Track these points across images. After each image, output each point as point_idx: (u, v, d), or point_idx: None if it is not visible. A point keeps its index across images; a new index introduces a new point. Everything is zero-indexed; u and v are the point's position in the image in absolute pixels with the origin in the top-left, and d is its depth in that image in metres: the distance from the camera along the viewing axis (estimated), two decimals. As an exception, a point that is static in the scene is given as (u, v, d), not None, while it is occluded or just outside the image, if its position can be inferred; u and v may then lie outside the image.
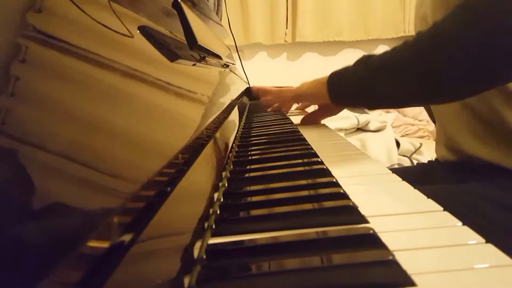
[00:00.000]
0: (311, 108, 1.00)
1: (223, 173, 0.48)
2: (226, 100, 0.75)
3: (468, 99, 0.65)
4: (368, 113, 1.90)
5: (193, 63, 0.64)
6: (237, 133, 0.77)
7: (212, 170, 0.44)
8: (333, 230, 0.32)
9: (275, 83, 1.08)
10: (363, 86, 0.63)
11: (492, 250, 0.27)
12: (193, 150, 0.40)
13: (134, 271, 0.21)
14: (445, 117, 0.74)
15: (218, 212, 0.36)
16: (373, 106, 0.68)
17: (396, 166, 1.59)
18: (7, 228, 0.15)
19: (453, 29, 0.52)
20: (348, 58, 2.89)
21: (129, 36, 0.39)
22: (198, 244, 0.29)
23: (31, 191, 0.17)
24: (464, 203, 0.60)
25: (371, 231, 0.30)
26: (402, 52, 0.58)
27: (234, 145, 0.66)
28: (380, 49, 2.98)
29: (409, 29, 2.87)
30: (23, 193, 0.17)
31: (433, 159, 0.88)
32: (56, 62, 0.25)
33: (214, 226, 0.33)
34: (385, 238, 0.29)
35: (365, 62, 0.63)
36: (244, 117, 1.05)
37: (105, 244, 0.19)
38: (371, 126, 1.79)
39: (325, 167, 0.49)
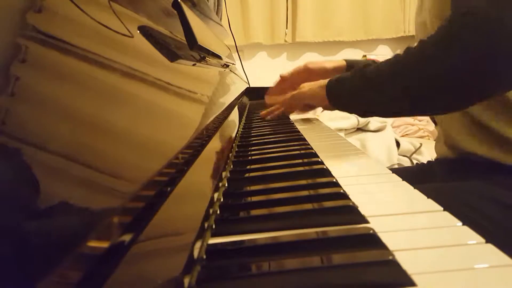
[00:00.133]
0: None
1: (223, 173, 0.48)
2: (226, 100, 0.75)
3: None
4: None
5: (193, 63, 0.64)
6: (237, 133, 0.77)
7: (212, 170, 0.44)
8: (333, 230, 0.32)
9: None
10: (356, 94, 0.65)
11: (492, 250, 0.27)
12: (193, 150, 0.40)
13: (134, 271, 0.21)
14: (446, 120, 0.75)
15: (218, 212, 0.36)
16: (364, 115, 0.70)
17: (396, 166, 1.60)
18: (8, 228, 0.15)
19: (437, 54, 0.54)
20: (348, 58, 2.90)
21: (129, 36, 0.39)
22: (198, 244, 0.29)
23: (31, 191, 0.17)
24: (464, 201, 0.60)
25: (371, 231, 0.30)
26: (391, 66, 0.61)
27: (234, 145, 0.66)
28: (380, 49, 2.99)
29: (409, 29, 2.87)
30: (23, 193, 0.17)
31: (433, 160, 0.88)
32: (56, 62, 0.25)
33: (214, 226, 0.33)
34: (385, 238, 0.29)
35: (361, 70, 0.64)
36: (244, 117, 1.05)
37: (105, 244, 0.19)
38: (371, 126, 1.79)
39: (325, 167, 0.49)
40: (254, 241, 0.30)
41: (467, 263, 0.25)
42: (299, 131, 0.78)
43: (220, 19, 1.69)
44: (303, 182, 0.44)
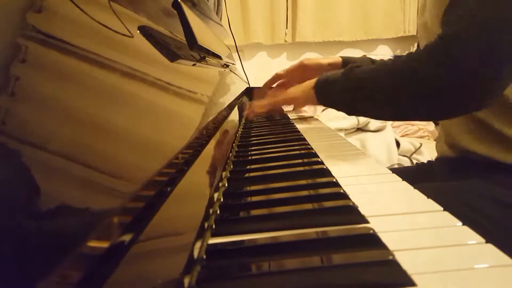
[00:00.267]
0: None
1: (223, 173, 0.48)
2: (226, 100, 0.75)
3: None
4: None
5: (193, 63, 0.64)
6: (237, 133, 0.77)
7: (212, 170, 0.44)
8: (333, 230, 0.32)
9: (275, 83, 1.08)
10: (342, 95, 0.68)
11: (492, 250, 0.27)
12: (193, 150, 0.40)
13: (134, 271, 0.21)
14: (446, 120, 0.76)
15: (218, 212, 0.36)
16: (352, 114, 0.72)
17: (396, 166, 1.59)
18: (8, 228, 0.15)
19: (430, 73, 0.56)
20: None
21: (129, 36, 0.39)
22: (198, 244, 0.29)
23: (31, 191, 0.17)
24: (464, 201, 0.60)
25: (371, 231, 0.30)
26: (377, 73, 0.63)
27: (234, 145, 0.66)
28: (380, 49, 2.99)
29: (409, 29, 2.88)
30: (23, 193, 0.17)
31: (433, 159, 0.88)
32: (56, 62, 0.25)
33: (214, 226, 0.33)
34: (385, 238, 0.29)
35: (348, 73, 0.67)
36: (244, 117, 1.05)
37: (105, 244, 0.19)
38: (371, 126, 1.79)
39: (325, 167, 0.49)
40: (254, 241, 0.30)
41: (467, 263, 0.25)
42: (299, 131, 0.78)
43: (220, 19, 1.69)
44: (303, 182, 0.44)
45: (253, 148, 0.65)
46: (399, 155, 1.72)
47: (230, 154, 0.59)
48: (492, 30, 0.52)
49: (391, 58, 0.89)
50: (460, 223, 0.31)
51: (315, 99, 0.73)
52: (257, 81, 1.57)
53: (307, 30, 2.85)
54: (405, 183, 0.42)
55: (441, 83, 0.55)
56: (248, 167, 0.54)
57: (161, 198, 0.28)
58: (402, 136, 2.08)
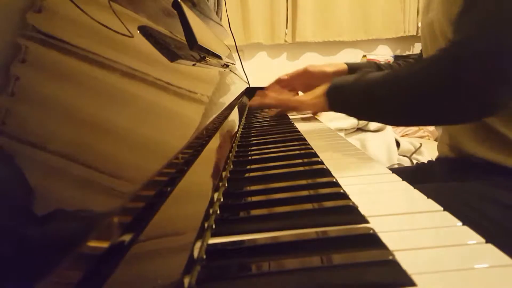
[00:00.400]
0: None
1: (223, 173, 0.48)
2: (226, 100, 0.75)
3: None
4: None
5: (193, 63, 0.64)
6: (237, 133, 0.77)
7: (212, 170, 0.44)
8: (333, 230, 0.32)
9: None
10: (355, 103, 0.68)
11: (492, 250, 0.27)
12: (193, 150, 0.40)
13: (134, 271, 0.21)
14: None
15: (218, 212, 0.36)
16: (364, 120, 0.73)
17: (396, 166, 1.59)
18: (8, 228, 0.15)
19: (446, 78, 0.56)
20: (348, 58, 2.91)
21: (129, 36, 0.39)
22: (198, 244, 0.29)
23: (31, 191, 0.17)
24: (464, 202, 0.60)
25: (371, 231, 0.30)
26: (391, 79, 0.63)
27: (234, 145, 0.66)
28: (380, 49, 2.99)
29: (409, 29, 2.88)
30: (23, 193, 0.17)
31: (433, 159, 0.88)
32: (56, 62, 0.25)
33: (214, 226, 0.33)
34: (385, 238, 0.29)
35: (361, 80, 0.67)
36: (244, 117, 1.05)
37: (105, 244, 0.19)
38: (371, 126, 1.79)
39: (325, 167, 0.49)
40: (254, 241, 0.30)
41: (467, 263, 0.25)
42: (299, 131, 0.78)
43: (220, 19, 1.69)
44: (303, 182, 0.44)
45: (253, 148, 0.65)
46: (399, 155, 1.72)
47: (230, 154, 0.59)
48: (508, 33, 0.51)
49: (403, 62, 0.89)
50: (460, 223, 0.31)
51: (326, 106, 0.73)
52: (257, 81, 1.57)
53: (307, 30, 2.85)
54: (405, 183, 0.42)
55: (457, 88, 0.54)
56: (248, 167, 0.54)
57: (161, 198, 0.28)
58: (402, 136, 2.08)
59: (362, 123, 1.78)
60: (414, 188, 0.40)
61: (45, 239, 0.16)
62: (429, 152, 1.72)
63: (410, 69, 0.63)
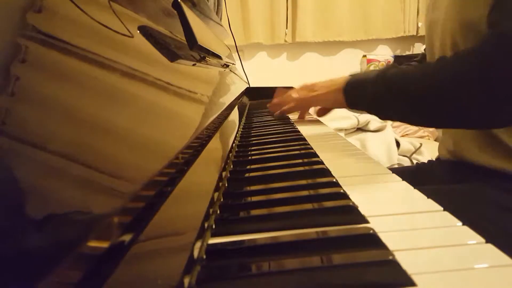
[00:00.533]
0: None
1: (223, 173, 0.48)
2: (226, 100, 0.75)
3: None
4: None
5: (193, 63, 0.64)
6: (237, 133, 0.77)
7: (212, 170, 0.44)
8: (333, 230, 0.32)
9: (275, 83, 1.07)
10: (377, 102, 0.65)
11: (492, 250, 0.27)
12: (193, 150, 0.40)
13: (134, 271, 0.21)
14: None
15: (218, 212, 0.36)
16: (385, 119, 0.70)
17: (396, 166, 1.59)
18: (8, 228, 0.15)
19: (482, 74, 0.52)
20: (348, 58, 2.91)
21: (129, 36, 0.39)
22: (198, 244, 0.29)
23: (31, 191, 0.17)
24: (463, 203, 0.60)
25: (371, 231, 0.30)
26: (420, 74, 0.59)
27: (234, 145, 0.66)
28: (380, 49, 2.98)
29: (409, 29, 2.87)
30: (23, 193, 0.17)
31: (433, 159, 0.88)
32: (56, 62, 0.25)
33: (214, 226, 0.33)
34: (385, 238, 0.29)
35: (383, 77, 0.63)
36: (244, 117, 1.05)
37: (105, 244, 0.19)
38: (371, 126, 1.79)
39: (325, 167, 0.49)
40: (254, 241, 0.30)
41: (467, 263, 0.25)
42: (299, 131, 0.78)
43: (220, 19, 1.69)
44: (303, 182, 0.44)
45: (253, 148, 0.65)
46: (399, 155, 1.72)
47: (230, 154, 0.59)
48: None
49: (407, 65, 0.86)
50: (460, 223, 0.31)
51: (343, 102, 0.70)
52: (257, 81, 1.57)
53: (307, 30, 2.84)
54: (405, 183, 0.42)
55: (493, 85, 0.51)
56: (248, 167, 0.54)
57: (161, 198, 0.28)
58: (402, 136, 2.08)
59: (362, 123, 1.78)
60: (414, 188, 0.40)
61: (45, 239, 0.16)
62: (429, 152, 1.72)
63: (444, 59, 0.57)
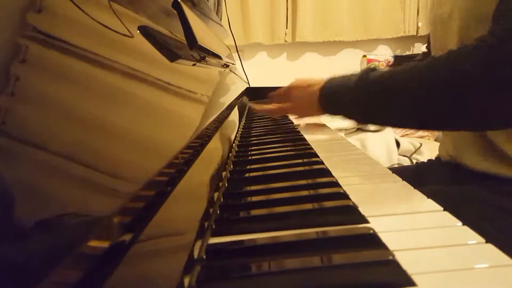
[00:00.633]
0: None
1: (223, 173, 0.48)
2: (226, 100, 0.75)
3: None
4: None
5: (193, 63, 0.64)
6: (237, 133, 0.77)
7: (212, 170, 0.44)
8: (333, 230, 0.32)
9: (275, 83, 1.07)
10: (358, 108, 0.61)
11: (492, 250, 0.27)
12: (193, 150, 0.40)
13: (134, 271, 0.21)
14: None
15: (218, 212, 0.36)
16: (368, 123, 0.67)
17: (396, 166, 1.59)
18: (8, 228, 0.15)
19: (482, 72, 0.49)
20: (348, 58, 2.90)
21: (129, 36, 0.39)
22: (198, 244, 0.29)
23: (31, 191, 0.17)
24: (464, 204, 0.60)
25: (371, 231, 0.30)
26: (408, 75, 0.56)
27: (234, 145, 0.66)
28: (380, 49, 2.98)
29: (409, 29, 2.87)
30: (24, 193, 0.17)
31: (433, 159, 0.88)
32: (56, 62, 0.25)
33: (214, 226, 0.33)
34: (385, 238, 0.29)
35: (364, 81, 0.60)
36: (244, 117, 1.05)
37: (105, 244, 0.19)
38: (371, 126, 1.79)
39: (325, 167, 0.49)
40: (254, 241, 0.30)
41: (467, 263, 0.25)
42: (299, 131, 0.78)
43: (220, 19, 1.69)
44: (303, 182, 0.44)
45: (253, 148, 0.65)
46: (399, 155, 1.72)
47: (230, 154, 0.59)
48: None
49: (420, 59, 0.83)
50: (460, 223, 0.31)
51: (321, 110, 0.67)
52: (257, 81, 1.57)
53: (307, 30, 2.84)
54: (405, 183, 0.42)
55: (492, 84, 0.48)
56: (248, 167, 0.54)
57: (161, 198, 0.28)
58: (402, 136, 2.08)
59: (362, 123, 1.78)
60: (414, 189, 0.40)
61: (45, 239, 0.16)
62: (429, 152, 1.72)
63: (437, 57, 0.53)
